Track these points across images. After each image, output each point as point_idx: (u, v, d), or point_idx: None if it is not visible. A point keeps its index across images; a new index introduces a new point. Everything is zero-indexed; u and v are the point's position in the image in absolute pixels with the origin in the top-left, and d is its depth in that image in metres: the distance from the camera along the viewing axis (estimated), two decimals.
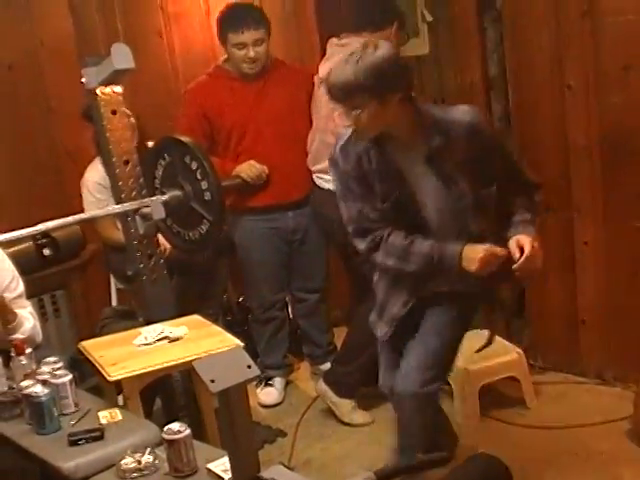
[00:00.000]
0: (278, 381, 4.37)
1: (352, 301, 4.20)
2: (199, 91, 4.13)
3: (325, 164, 3.87)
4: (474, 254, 2.66)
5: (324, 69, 3.89)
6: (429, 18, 4.44)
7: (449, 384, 3.81)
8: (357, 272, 3.99)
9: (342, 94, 2.60)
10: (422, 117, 2.69)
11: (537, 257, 2.72)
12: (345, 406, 3.98)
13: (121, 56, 3.07)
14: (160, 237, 3.59)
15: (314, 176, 4.04)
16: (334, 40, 3.93)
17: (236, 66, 4.02)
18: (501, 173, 2.77)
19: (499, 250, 2.68)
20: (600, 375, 3.95)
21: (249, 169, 4.00)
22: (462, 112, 2.75)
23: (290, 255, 4.26)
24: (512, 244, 2.69)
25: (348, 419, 3.96)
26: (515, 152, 2.81)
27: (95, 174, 4.13)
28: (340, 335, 4.15)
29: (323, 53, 4.08)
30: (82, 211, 4.08)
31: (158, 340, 3.13)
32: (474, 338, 3.80)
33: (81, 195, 4.19)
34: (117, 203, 3.40)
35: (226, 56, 4.11)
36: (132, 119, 4.07)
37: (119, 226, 3.59)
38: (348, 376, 4.00)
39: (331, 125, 3.79)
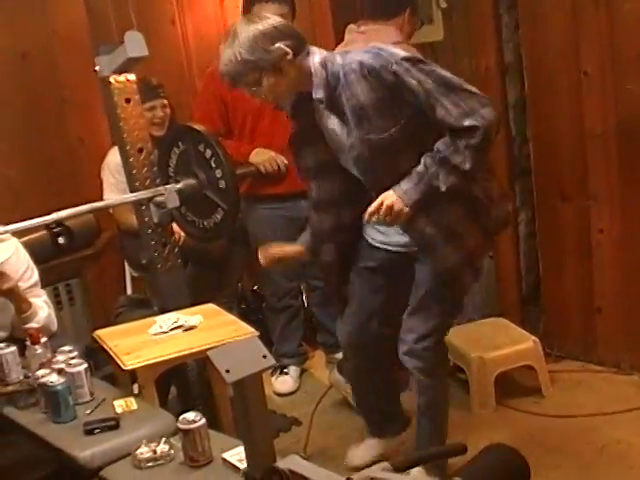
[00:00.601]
0: (293, 369, 4.36)
1: None
2: (217, 74, 4.09)
3: None
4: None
5: None
6: (443, 4, 4.40)
7: (464, 372, 3.81)
8: None
9: (235, 78, 2.69)
10: (317, 71, 2.68)
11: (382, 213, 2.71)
12: None
13: (134, 44, 3.06)
14: (174, 225, 3.59)
15: None
16: (353, 27, 3.90)
17: None
18: (414, 115, 2.68)
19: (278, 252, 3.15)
20: (616, 364, 3.93)
21: (268, 162, 3.98)
22: (353, 56, 2.68)
23: None
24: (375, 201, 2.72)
25: None
26: (438, 91, 2.60)
27: (115, 156, 4.14)
28: None
29: (337, 40, 4.05)
30: (96, 199, 4.08)
31: (173, 329, 3.13)
32: (489, 325, 3.80)
33: (100, 179, 4.20)
34: (131, 191, 3.40)
35: None
36: (168, 109, 4.09)
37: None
38: None
39: None
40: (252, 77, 2.65)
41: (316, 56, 2.70)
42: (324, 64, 2.68)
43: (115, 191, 4.09)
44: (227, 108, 4.03)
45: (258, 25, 2.63)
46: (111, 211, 4.32)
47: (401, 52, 2.66)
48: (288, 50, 2.62)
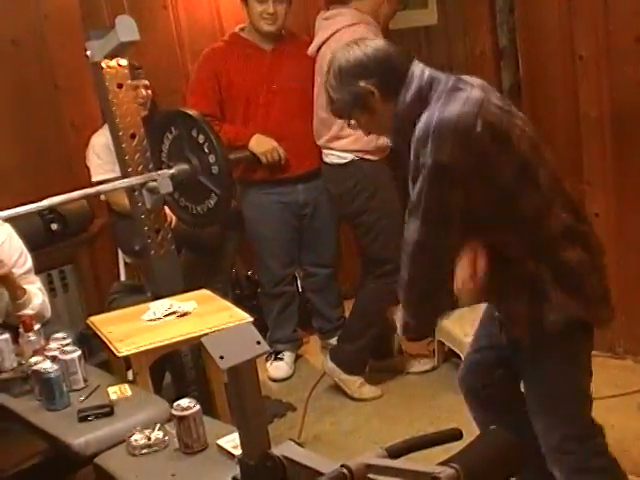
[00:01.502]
0: (288, 355, 4.36)
1: (361, 277, 4.18)
2: (214, 56, 4.08)
3: (325, 138, 3.88)
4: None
5: (312, 46, 3.90)
6: None
7: (459, 357, 3.81)
8: (366, 248, 3.99)
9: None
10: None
11: None
12: (353, 383, 3.98)
13: (126, 28, 3.03)
14: (166, 209, 3.57)
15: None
16: (321, 13, 3.90)
17: (255, 25, 3.97)
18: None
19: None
20: (611, 348, 3.93)
21: (270, 153, 3.97)
22: (432, 113, 2.20)
23: (300, 229, 4.23)
24: None
25: (357, 395, 3.96)
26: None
27: (100, 138, 4.13)
28: (350, 309, 4.14)
29: None
30: (89, 184, 4.07)
31: (167, 315, 3.12)
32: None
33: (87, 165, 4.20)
34: (124, 177, 3.38)
35: (243, 25, 4.08)
36: (149, 91, 4.06)
37: None
38: (355, 354, 4.00)
39: (320, 100, 3.77)
40: (343, 113, 2.44)
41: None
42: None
43: (102, 172, 4.07)
44: (222, 91, 4.01)
45: (347, 55, 2.34)
46: (103, 197, 4.31)
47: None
48: (373, 89, 2.31)
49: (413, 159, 2.22)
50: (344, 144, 3.83)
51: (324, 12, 3.89)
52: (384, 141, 3.62)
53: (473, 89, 2.23)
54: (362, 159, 3.82)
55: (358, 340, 3.97)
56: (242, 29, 4.09)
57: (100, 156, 4.12)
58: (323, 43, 3.82)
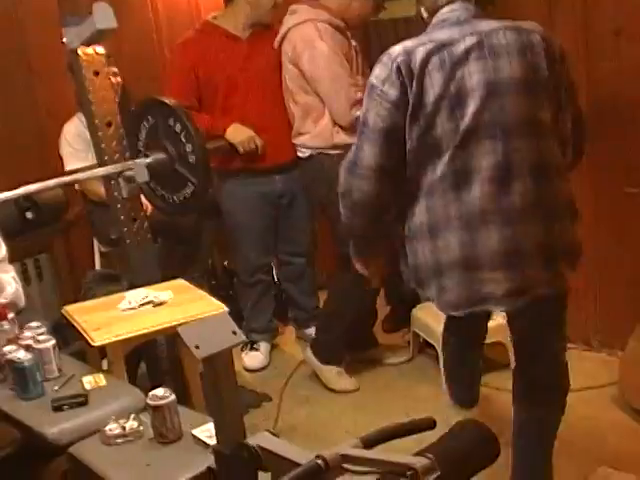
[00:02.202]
0: (263, 345, 4.36)
1: (337, 266, 4.17)
2: (188, 46, 4.04)
3: (292, 133, 3.88)
4: None
5: (276, 41, 3.91)
6: None
7: (434, 348, 3.82)
8: (336, 240, 3.98)
9: None
10: None
11: None
12: (329, 372, 3.97)
13: (103, 15, 3.01)
14: (143, 198, 3.55)
15: None
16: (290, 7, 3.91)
17: (260, 17, 3.98)
18: None
19: None
20: (586, 341, 3.95)
21: (247, 142, 3.95)
22: None
23: (277, 219, 4.22)
24: None
25: (333, 385, 3.96)
26: None
27: (73, 127, 4.11)
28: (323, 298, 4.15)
29: None
30: (63, 171, 4.04)
31: (142, 304, 3.11)
32: None
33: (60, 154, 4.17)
34: (100, 166, 3.36)
35: (216, 13, 4.05)
36: (119, 78, 4.03)
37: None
38: (330, 343, 4.00)
39: (287, 95, 3.90)
40: None
41: None
42: None
43: (75, 161, 4.05)
44: (199, 81, 3.98)
45: None
46: (77, 187, 4.28)
47: None
48: None
49: None
50: (303, 140, 3.89)
51: (292, 5, 3.89)
52: (343, 138, 3.68)
53: None
54: (321, 153, 3.84)
55: (332, 330, 3.98)
56: (215, 17, 4.06)
57: (72, 145, 4.10)
58: (283, 38, 3.85)
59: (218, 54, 3.97)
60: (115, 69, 4.06)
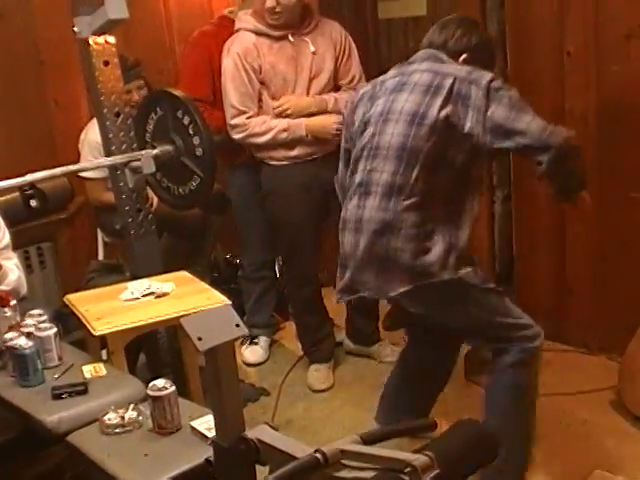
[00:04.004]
0: (263, 340, 4.36)
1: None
2: (204, 39, 4.02)
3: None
4: None
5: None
6: None
7: None
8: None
9: None
10: None
11: None
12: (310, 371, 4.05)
13: (115, 5, 3.02)
14: (149, 191, 3.56)
15: None
16: None
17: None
18: None
19: None
20: (586, 344, 3.96)
21: None
22: None
23: None
24: None
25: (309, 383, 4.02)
26: None
27: (95, 135, 4.10)
28: (326, 295, 4.14)
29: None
30: (71, 162, 4.04)
31: (144, 295, 3.11)
32: None
33: (73, 148, 4.16)
34: (107, 156, 3.37)
35: (232, 8, 4.04)
36: (144, 90, 4.04)
37: (109, 187, 3.56)
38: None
39: None
40: None
41: None
42: None
43: (92, 171, 4.04)
44: (214, 74, 3.96)
45: None
46: (86, 189, 4.28)
47: None
48: None
49: None
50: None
51: None
52: (299, 152, 3.71)
53: None
54: (263, 162, 3.84)
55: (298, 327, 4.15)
56: (231, 12, 4.06)
57: (94, 154, 4.08)
58: None
59: None
60: (142, 81, 4.06)
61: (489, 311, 2.78)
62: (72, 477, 2.52)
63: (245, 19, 3.71)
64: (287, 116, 3.65)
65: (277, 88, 3.68)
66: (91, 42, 3.20)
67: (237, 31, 3.73)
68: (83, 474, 2.35)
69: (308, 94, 3.70)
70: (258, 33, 3.67)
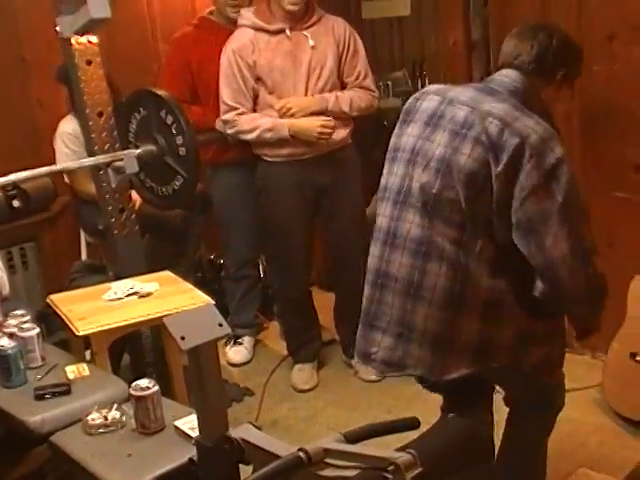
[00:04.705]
0: (247, 340, 4.36)
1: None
2: (183, 41, 4.04)
3: None
4: None
5: None
6: None
7: None
8: None
9: None
10: None
11: None
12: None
13: (98, 5, 3.00)
14: (133, 193, 3.55)
15: None
16: None
17: (221, 12, 3.95)
18: None
19: None
20: (569, 343, 3.95)
21: None
22: None
23: None
24: None
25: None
26: None
27: (69, 126, 4.10)
28: (313, 296, 4.14)
29: None
30: (54, 163, 4.02)
31: (128, 295, 3.11)
32: None
33: (53, 147, 4.15)
34: (90, 156, 3.35)
35: (211, 8, 4.05)
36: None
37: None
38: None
39: None
40: None
41: None
42: None
43: (69, 162, 4.02)
44: (193, 75, 3.97)
45: None
46: (67, 180, 4.26)
47: None
48: None
49: None
50: None
51: None
52: (289, 151, 3.71)
53: None
54: (259, 157, 3.84)
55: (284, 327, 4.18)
56: (211, 12, 4.06)
57: (68, 145, 4.08)
58: None
59: (211, 49, 3.95)
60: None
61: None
62: (55, 478, 2.52)
63: (246, 16, 3.73)
64: (291, 116, 3.65)
65: (275, 83, 3.68)
66: (73, 42, 3.18)
67: (239, 27, 3.75)
68: (66, 474, 2.34)
69: (307, 89, 3.70)
70: (256, 29, 3.69)
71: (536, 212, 2.13)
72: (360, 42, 3.79)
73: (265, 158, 3.79)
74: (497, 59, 3.91)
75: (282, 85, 3.68)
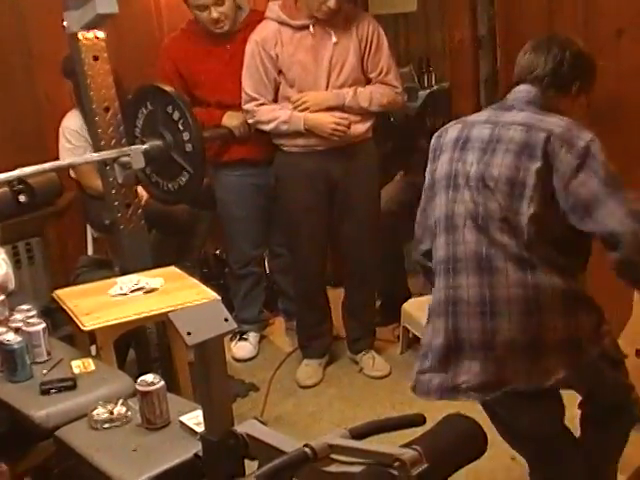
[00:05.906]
0: (252, 335, 4.36)
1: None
2: (172, 47, 4.05)
3: None
4: None
5: None
6: None
7: None
8: None
9: None
10: None
11: None
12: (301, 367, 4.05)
13: (104, 0, 3.00)
14: (139, 188, 3.55)
15: None
16: None
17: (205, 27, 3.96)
18: None
19: None
20: None
21: (242, 126, 3.91)
22: None
23: (270, 210, 4.21)
24: None
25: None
26: None
27: (72, 121, 4.10)
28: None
29: None
30: (59, 158, 4.03)
31: (133, 291, 3.11)
32: None
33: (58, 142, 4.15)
34: (96, 151, 3.36)
35: None
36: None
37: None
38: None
39: None
40: None
41: None
42: None
43: (72, 157, 4.03)
44: (187, 81, 3.97)
45: None
46: (73, 175, 4.27)
47: None
48: None
49: None
50: None
51: None
52: (303, 142, 3.72)
53: None
54: (279, 148, 3.85)
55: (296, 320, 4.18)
56: None
57: (71, 141, 4.09)
58: None
59: (201, 54, 3.95)
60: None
61: None
62: (61, 472, 2.51)
63: (272, 8, 3.73)
64: (306, 109, 3.66)
65: (296, 77, 3.69)
66: (80, 37, 3.18)
67: (265, 19, 3.75)
68: (72, 469, 2.34)
69: (328, 84, 3.70)
70: (281, 22, 3.69)
71: (584, 192, 2.22)
72: (384, 37, 3.77)
73: (283, 148, 3.82)
74: (503, 56, 3.95)
75: (303, 80, 3.69)
